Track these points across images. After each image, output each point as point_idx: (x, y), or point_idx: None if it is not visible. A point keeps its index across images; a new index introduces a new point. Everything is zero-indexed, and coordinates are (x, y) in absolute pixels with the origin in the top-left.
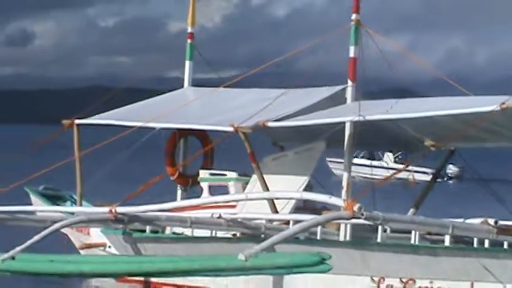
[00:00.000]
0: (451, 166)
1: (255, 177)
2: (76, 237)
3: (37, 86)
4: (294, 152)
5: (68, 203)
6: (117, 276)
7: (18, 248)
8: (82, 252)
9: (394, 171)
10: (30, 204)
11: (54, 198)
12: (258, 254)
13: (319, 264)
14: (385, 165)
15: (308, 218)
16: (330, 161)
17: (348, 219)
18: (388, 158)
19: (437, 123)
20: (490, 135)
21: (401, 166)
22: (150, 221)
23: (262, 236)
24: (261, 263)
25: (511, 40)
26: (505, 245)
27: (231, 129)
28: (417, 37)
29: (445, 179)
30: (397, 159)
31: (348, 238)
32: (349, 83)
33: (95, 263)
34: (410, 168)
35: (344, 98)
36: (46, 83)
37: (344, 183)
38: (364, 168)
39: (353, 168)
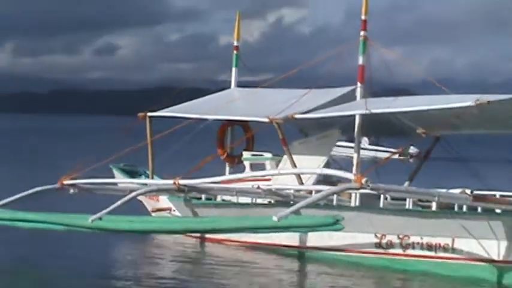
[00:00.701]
0: (412, 147)
1: (285, 157)
2: (148, 203)
3: (119, 87)
4: (316, 138)
5: (142, 176)
6: (180, 233)
7: (104, 211)
8: (153, 214)
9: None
10: (113, 177)
11: (131, 173)
12: (287, 216)
13: (334, 225)
14: (363, 146)
15: (326, 189)
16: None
17: (357, 189)
18: (365, 141)
19: (427, 115)
20: (467, 125)
21: (374, 147)
22: (205, 191)
23: (291, 202)
24: (289, 223)
25: (483, 50)
26: (479, 209)
27: (266, 120)
28: (411, 48)
29: (409, 157)
30: (371, 142)
31: (357, 204)
32: (358, 84)
33: (163, 222)
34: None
35: (354, 96)
36: (126, 84)
37: (354, 162)
38: (347, 149)
39: (338, 149)
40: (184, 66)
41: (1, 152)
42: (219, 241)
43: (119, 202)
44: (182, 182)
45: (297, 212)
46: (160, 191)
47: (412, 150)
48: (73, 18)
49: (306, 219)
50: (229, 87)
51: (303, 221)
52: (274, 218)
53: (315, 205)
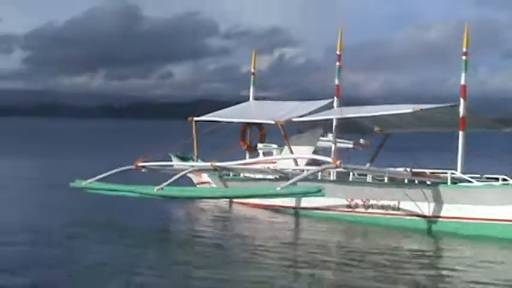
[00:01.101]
0: (361, 140)
1: (286, 147)
2: (195, 178)
3: (175, 100)
4: (306, 134)
5: (191, 161)
6: (215, 199)
7: (164, 183)
8: (197, 186)
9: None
10: (171, 161)
11: (184, 159)
12: (287, 187)
13: (318, 192)
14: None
15: (313, 168)
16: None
17: (333, 168)
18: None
19: (380, 119)
20: (408, 125)
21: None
22: (232, 170)
23: (289, 177)
24: (288, 191)
25: (424, 74)
26: (416, 182)
27: (273, 122)
28: (372, 73)
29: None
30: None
31: (334, 178)
32: (335, 98)
33: (204, 191)
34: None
35: (332, 105)
36: (180, 99)
37: (332, 150)
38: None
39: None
40: (218, 86)
41: (92, 144)
42: (241, 204)
43: (174, 177)
44: (216, 164)
45: (293, 184)
46: (201, 170)
47: (362, 141)
48: (144, 53)
49: (299, 188)
50: (248, 100)
51: (297, 189)
52: (278, 188)
53: (306, 179)
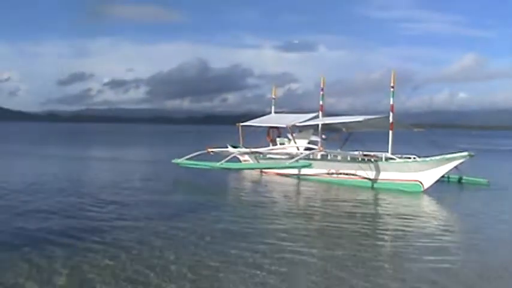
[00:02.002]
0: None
1: (292, 140)
2: (241, 158)
3: (228, 114)
4: (304, 132)
5: (239, 148)
6: (252, 169)
7: (223, 160)
8: (243, 162)
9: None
10: (227, 148)
11: (235, 147)
12: (292, 162)
13: (309, 166)
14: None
15: (307, 152)
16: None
17: (319, 152)
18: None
19: (347, 123)
20: (362, 127)
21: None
22: (262, 153)
23: (294, 157)
24: (293, 165)
25: (372, 99)
26: (366, 159)
27: (285, 126)
28: (343, 97)
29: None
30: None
31: (319, 157)
32: (320, 112)
33: (246, 165)
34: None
35: (318, 116)
36: (232, 113)
37: (319, 141)
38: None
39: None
40: (253, 106)
41: (184, 140)
42: (267, 173)
43: (229, 157)
44: (253, 150)
45: (296, 161)
46: (244, 153)
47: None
48: (211, 88)
49: (298, 163)
50: (270, 113)
51: (297, 164)
52: (287, 163)
53: (303, 158)
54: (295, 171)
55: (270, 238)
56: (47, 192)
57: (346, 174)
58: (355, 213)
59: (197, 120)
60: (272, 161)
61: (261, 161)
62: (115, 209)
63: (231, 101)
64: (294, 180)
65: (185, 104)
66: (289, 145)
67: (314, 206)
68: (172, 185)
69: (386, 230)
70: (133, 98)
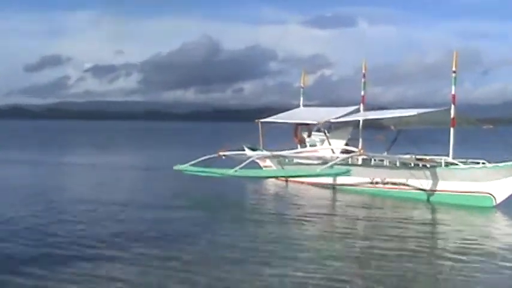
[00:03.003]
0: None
1: (326, 140)
2: (261, 163)
3: (246, 108)
4: (340, 130)
5: (258, 151)
6: (275, 177)
7: (238, 166)
8: (263, 169)
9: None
10: (244, 151)
11: (253, 149)
12: (325, 169)
13: (346, 173)
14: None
15: (344, 156)
16: None
17: (359, 156)
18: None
19: (395, 119)
20: (414, 124)
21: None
22: (287, 157)
23: (328, 162)
24: (326, 172)
25: (424, 87)
26: (420, 165)
27: (316, 122)
28: (387, 86)
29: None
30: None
31: (360, 162)
32: (361, 104)
33: (268, 172)
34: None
35: (359, 110)
36: (249, 106)
37: (360, 142)
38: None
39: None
40: (276, 97)
41: (190, 140)
42: (294, 181)
43: (245, 162)
44: (275, 153)
45: (330, 167)
46: (265, 157)
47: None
48: (223, 75)
49: (332, 170)
50: (298, 107)
51: (331, 171)
52: (318, 170)
53: (340, 163)
54: (329, 180)
55: (302, 267)
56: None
57: (395, 183)
58: (405, 235)
59: (205, 116)
60: (300, 167)
61: (286, 167)
62: (95, 232)
63: (248, 91)
64: (328, 192)
65: (189, 95)
66: (321, 147)
67: (354, 225)
68: (174, 199)
69: (447, 257)
70: (122, 88)
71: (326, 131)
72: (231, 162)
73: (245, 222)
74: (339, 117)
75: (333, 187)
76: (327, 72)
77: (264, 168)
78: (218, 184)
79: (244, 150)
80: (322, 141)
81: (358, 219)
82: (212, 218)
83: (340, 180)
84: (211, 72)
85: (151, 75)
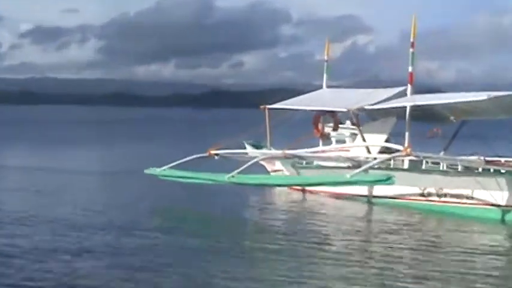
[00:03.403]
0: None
1: (359, 135)
2: (268, 166)
3: (246, 89)
4: (379, 121)
5: (264, 149)
6: (286, 186)
7: (236, 171)
8: (271, 174)
9: None
10: (244, 149)
11: (257, 147)
12: (357, 175)
13: (387, 180)
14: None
15: (384, 156)
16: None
17: (404, 156)
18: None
19: (456, 106)
20: (482, 113)
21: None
22: (304, 158)
23: (362, 165)
24: (357, 179)
25: (493, 62)
26: (491, 170)
27: (345, 110)
28: (444, 60)
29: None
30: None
31: (406, 166)
32: (408, 85)
33: (276, 179)
34: None
35: (405, 93)
36: (251, 87)
37: (406, 138)
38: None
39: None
40: (290, 74)
41: (168, 133)
42: (314, 191)
43: (245, 165)
44: (288, 152)
45: (364, 172)
46: (273, 158)
47: (435, 130)
48: (216, 43)
49: (367, 176)
50: (321, 88)
51: (366, 178)
52: (348, 176)
53: (378, 167)
54: (363, 189)
55: None
56: None
57: (455, 196)
58: (474, 280)
59: (190, 100)
60: (322, 171)
61: (302, 171)
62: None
63: (251, 66)
64: (362, 207)
65: (169, 71)
66: (352, 144)
67: (399, 260)
68: (145, 217)
69: None
70: (75, 60)
71: (359, 122)
72: (227, 165)
73: (244, 255)
74: (378, 102)
75: (368, 200)
76: (362, 39)
77: (272, 174)
78: (208, 195)
79: (244, 147)
80: (354, 137)
81: (404, 249)
82: (198, 247)
83: (379, 190)
84: (200, 40)
85: (115, 43)
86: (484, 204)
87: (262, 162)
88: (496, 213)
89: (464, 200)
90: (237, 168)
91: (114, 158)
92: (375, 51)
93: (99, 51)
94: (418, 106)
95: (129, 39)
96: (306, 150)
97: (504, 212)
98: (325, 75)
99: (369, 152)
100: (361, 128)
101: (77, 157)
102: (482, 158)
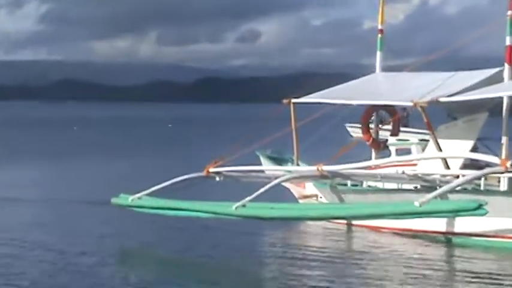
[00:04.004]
0: None
1: (430, 142)
2: (296, 190)
3: (262, 74)
4: (462, 121)
5: (289, 163)
6: (322, 219)
7: (248, 198)
8: (300, 201)
9: None
10: (260, 164)
11: (278, 160)
12: (431, 201)
13: (476, 209)
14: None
15: (472, 173)
16: (350, 126)
17: (502, 173)
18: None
19: None
20: None
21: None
22: (348, 177)
23: (438, 187)
24: (432, 208)
25: None
26: None
27: (411, 104)
28: None
29: None
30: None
31: (506, 189)
32: (506, 65)
33: (305, 209)
34: None
35: (501, 77)
36: (269, 71)
37: (504, 144)
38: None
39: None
40: (327, 51)
41: (144, 141)
42: (366, 227)
43: (262, 189)
44: (325, 168)
45: (443, 197)
46: (303, 177)
47: None
48: (216, 5)
49: (447, 204)
50: (372, 71)
51: (445, 206)
52: (416, 203)
53: (461, 190)
54: (440, 223)
55: None
56: None
57: None
58: None
59: (177, 91)
60: (377, 196)
61: (346, 196)
62: None
63: (269, 38)
64: (438, 249)
65: (146, 48)
66: (422, 155)
67: None
68: (115, 272)
69: None
70: (4, 33)
71: (430, 123)
72: (233, 188)
73: None
74: (459, 92)
75: (446, 239)
76: None
77: (301, 201)
78: (205, 234)
79: (259, 162)
80: (423, 144)
81: None
82: None
83: (464, 224)
84: (191, 1)
85: (64, 7)
86: None
87: (286, 184)
88: None
89: None
90: (249, 193)
91: (67, 178)
92: (455, 13)
93: (42, 20)
94: None
95: (87, 1)
96: (351, 165)
97: None
98: (378, 53)
99: (446, 167)
100: (434, 131)
101: (11, 178)
102: None
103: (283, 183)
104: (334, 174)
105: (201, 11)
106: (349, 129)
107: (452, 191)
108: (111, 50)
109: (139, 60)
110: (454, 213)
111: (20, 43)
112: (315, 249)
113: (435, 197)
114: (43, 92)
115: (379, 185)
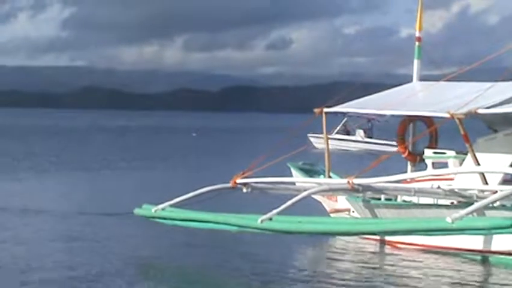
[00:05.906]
0: None
1: (469, 155)
2: (327, 203)
3: (292, 83)
4: (503, 134)
5: (321, 175)
6: (351, 235)
7: (275, 211)
8: (331, 215)
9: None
10: (291, 176)
11: (310, 172)
12: (463, 217)
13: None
14: (359, 139)
15: (508, 188)
16: (312, 136)
17: None
18: (359, 134)
19: None
20: None
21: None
22: (381, 190)
23: (474, 203)
24: (465, 225)
25: None
26: None
27: (447, 115)
28: None
29: None
30: (366, 135)
31: None
32: None
33: (334, 224)
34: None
35: None
36: (300, 80)
37: None
38: (341, 142)
39: (331, 142)
40: (361, 60)
41: (169, 151)
42: (399, 244)
43: (289, 202)
44: (356, 181)
45: (479, 214)
46: (332, 190)
47: None
48: (245, 12)
49: (481, 221)
50: (408, 81)
51: (479, 223)
52: (448, 220)
53: (499, 206)
54: (476, 241)
55: None
56: None
57: None
58: None
59: (205, 99)
60: (411, 212)
61: (379, 211)
62: None
63: (300, 46)
64: (474, 268)
65: (173, 54)
66: (459, 168)
67: None
68: (136, 283)
69: None
70: (26, 38)
71: (467, 135)
72: (261, 201)
73: None
74: (500, 103)
75: (483, 258)
76: (476, 4)
77: (332, 215)
78: (230, 246)
79: (290, 174)
80: (461, 158)
81: None
82: None
83: (502, 242)
84: (221, 6)
85: (89, 11)
86: None
87: (317, 197)
88: None
89: None
90: (277, 206)
91: (89, 188)
92: (497, 22)
93: (65, 25)
94: None
95: (112, 6)
96: (384, 178)
97: None
98: (415, 62)
99: (485, 182)
100: (472, 144)
101: (33, 188)
102: None
103: (315, 196)
104: (366, 188)
105: (230, 17)
106: (311, 139)
107: (490, 207)
108: (136, 57)
109: (166, 67)
110: (487, 230)
111: (42, 48)
112: (341, 266)
113: (469, 213)
114: (67, 99)
115: (414, 199)
